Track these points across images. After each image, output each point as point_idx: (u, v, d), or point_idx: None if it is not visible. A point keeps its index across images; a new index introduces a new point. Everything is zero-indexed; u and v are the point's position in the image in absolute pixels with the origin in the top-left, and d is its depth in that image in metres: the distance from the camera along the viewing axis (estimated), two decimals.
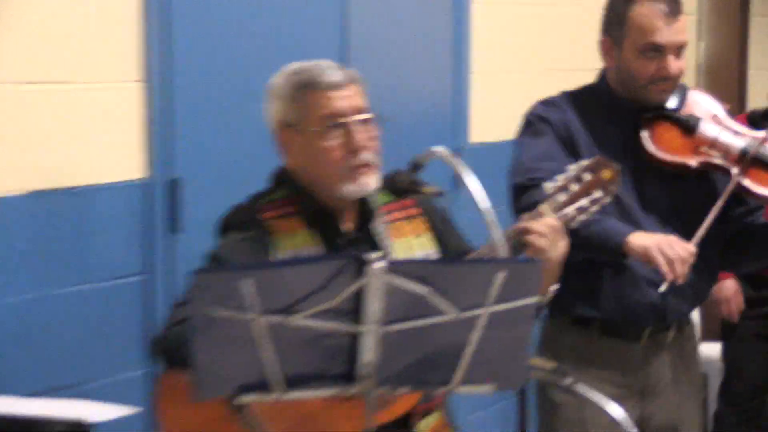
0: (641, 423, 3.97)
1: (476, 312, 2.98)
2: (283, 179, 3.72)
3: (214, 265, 3.52)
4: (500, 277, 2.95)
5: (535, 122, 4.31)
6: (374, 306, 2.87)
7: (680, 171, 4.18)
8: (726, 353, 5.68)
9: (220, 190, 4.48)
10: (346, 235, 3.64)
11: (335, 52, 5.10)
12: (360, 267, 2.81)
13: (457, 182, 3.55)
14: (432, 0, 6.04)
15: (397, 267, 2.88)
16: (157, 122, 4.56)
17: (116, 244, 4.46)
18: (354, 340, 2.96)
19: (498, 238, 3.24)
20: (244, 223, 3.66)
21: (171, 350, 3.39)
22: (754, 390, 5.98)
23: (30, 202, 4.13)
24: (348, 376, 3.04)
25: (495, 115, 5.80)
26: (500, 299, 2.99)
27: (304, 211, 3.63)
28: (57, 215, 4.29)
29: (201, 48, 4.66)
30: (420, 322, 2.97)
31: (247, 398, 3.01)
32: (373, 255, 2.87)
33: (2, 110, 4.06)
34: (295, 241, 3.60)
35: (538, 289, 3.05)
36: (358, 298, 2.88)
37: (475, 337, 3.01)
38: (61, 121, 4.25)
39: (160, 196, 4.58)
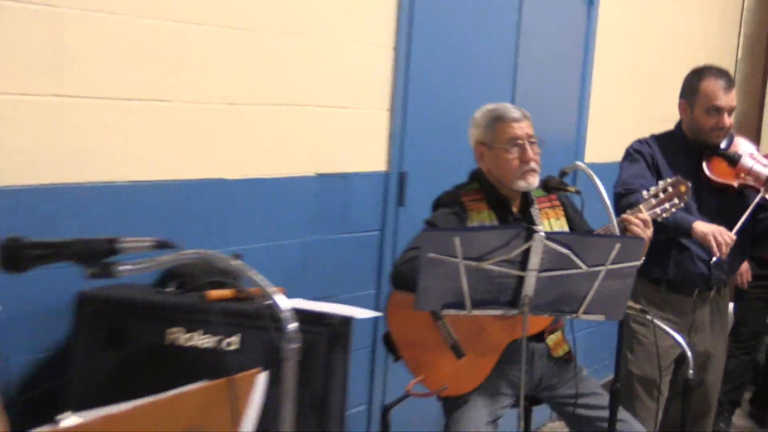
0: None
1: (599, 268, 3.01)
2: (476, 177, 3.78)
3: (432, 227, 3.53)
4: (616, 247, 2.99)
5: (632, 153, 4.36)
6: (535, 259, 2.96)
7: (726, 188, 4.20)
8: (736, 309, 5.74)
9: (429, 182, 4.31)
10: (513, 215, 3.68)
11: (509, 95, 5.07)
12: (529, 234, 2.92)
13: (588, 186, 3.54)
14: (566, 54, 5.75)
15: (552, 236, 2.98)
16: (396, 137, 4.50)
17: (366, 210, 4.43)
18: (519, 280, 3.01)
19: (614, 224, 3.31)
20: (450, 202, 3.71)
21: (402, 279, 3.42)
22: (753, 333, 6.11)
23: (315, 181, 4.13)
24: (512, 303, 3.11)
25: (605, 143, 5.66)
26: (614, 261, 3.02)
27: (488, 198, 3.69)
28: (331, 190, 4.27)
29: (427, 84, 4.56)
30: (563, 272, 3.02)
31: (448, 312, 3.13)
32: (539, 227, 2.99)
33: (305, 123, 4.05)
34: (482, 216, 3.66)
35: (638, 257, 3.06)
36: (525, 253, 2.94)
37: (596, 284, 3.04)
38: (336, 132, 4.22)
39: (394, 182, 4.55)
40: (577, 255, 2.93)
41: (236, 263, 2.09)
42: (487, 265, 2.91)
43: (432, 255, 2.88)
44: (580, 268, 2.95)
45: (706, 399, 4.57)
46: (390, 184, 4.52)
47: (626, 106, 6.16)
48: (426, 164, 4.62)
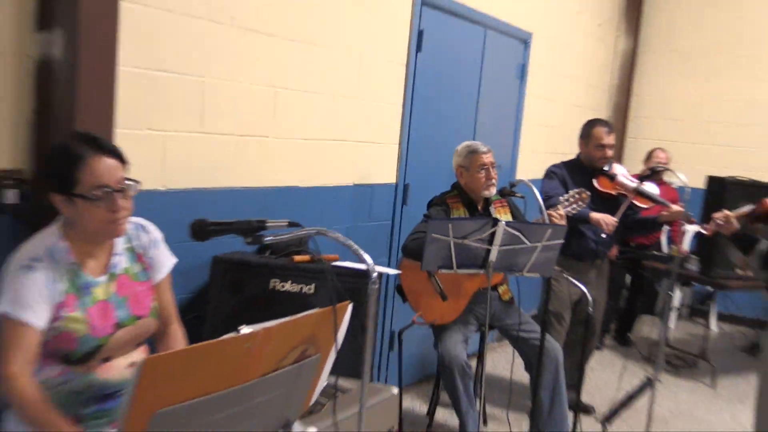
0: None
1: (537, 244, 3.10)
2: (456, 187, 3.77)
3: (431, 219, 3.52)
4: (548, 231, 3.09)
5: (550, 173, 4.28)
6: (498, 238, 3.05)
7: (608, 196, 4.17)
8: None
9: (422, 190, 4.31)
10: (479, 211, 3.68)
11: (471, 135, 4.89)
12: (495, 223, 3.01)
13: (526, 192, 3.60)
14: (506, 109, 5.51)
15: (509, 224, 3.06)
16: (401, 161, 4.38)
17: (382, 207, 4.30)
18: (487, 252, 3.06)
19: (545, 216, 3.39)
20: (440, 203, 3.70)
21: (410, 251, 3.44)
22: (617, 287, 5.80)
23: (353, 189, 4.03)
24: (481, 265, 3.12)
25: (530, 166, 5.43)
26: (547, 240, 3.10)
27: (463, 200, 3.70)
28: (362, 194, 4.13)
29: (421, 128, 4.43)
30: (515, 246, 3.08)
31: (441, 271, 3.14)
32: (501, 219, 3.06)
33: (347, 152, 3.96)
34: (459, 212, 3.66)
35: (561, 238, 3.14)
36: (492, 235, 3.01)
37: (534, 254, 3.12)
38: (366, 158, 4.11)
39: (400, 190, 4.43)
40: (524, 236, 3.08)
41: (340, 236, 2.07)
42: (467, 242, 3.05)
43: (434, 235, 3.00)
44: (526, 244, 3.09)
45: (593, 327, 4.57)
46: (398, 191, 4.45)
47: (543, 143, 6.04)
48: (420, 179, 4.56)
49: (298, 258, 3.10)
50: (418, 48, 4.30)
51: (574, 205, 3.66)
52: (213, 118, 3.10)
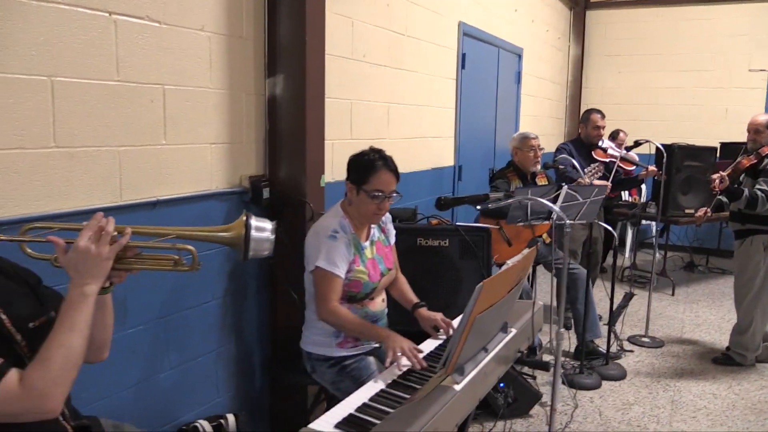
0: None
1: (587, 200, 3.31)
2: (511, 164, 3.95)
3: (497, 188, 3.67)
4: (595, 190, 3.28)
5: (561, 149, 4.47)
6: (561, 197, 3.24)
7: (603, 163, 4.28)
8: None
9: (470, 170, 4.57)
10: (528, 182, 3.86)
11: (493, 127, 5.21)
12: (560, 188, 3.20)
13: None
14: (509, 107, 5.48)
15: (570, 187, 3.30)
16: (457, 149, 4.51)
17: (447, 182, 4.42)
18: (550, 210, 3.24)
19: (585, 180, 3.67)
20: (502, 176, 3.86)
21: (488, 211, 3.45)
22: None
23: (431, 172, 4.10)
24: (546, 218, 3.36)
25: None
26: (594, 196, 3.28)
27: (517, 173, 3.88)
28: (436, 174, 4.22)
29: (468, 124, 4.54)
30: (571, 203, 3.29)
31: (519, 224, 3.33)
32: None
33: (427, 145, 4.11)
34: (515, 183, 3.82)
35: (603, 194, 3.33)
36: (557, 197, 3.16)
37: (584, 207, 3.33)
38: (439, 148, 4.21)
39: (456, 170, 4.56)
40: (579, 195, 3.40)
41: (549, 203, 2.38)
42: (542, 200, 3.37)
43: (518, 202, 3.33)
44: (578, 200, 3.44)
45: (596, 258, 4.91)
46: (455, 171, 4.60)
47: (532, 128, 5.69)
48: (469, 162, 4.70)
49: (434, 222, 3.30)
50: (462, 66, 4.62)
51: (596, 175, 3.98)
52: (358, 129, 3.35)
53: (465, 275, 3.20)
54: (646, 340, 4.44)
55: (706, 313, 5.19)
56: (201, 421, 2.00)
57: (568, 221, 3.51)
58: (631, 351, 4.27)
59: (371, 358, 2.30)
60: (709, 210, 4.09)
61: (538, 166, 3.99)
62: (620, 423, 3.27)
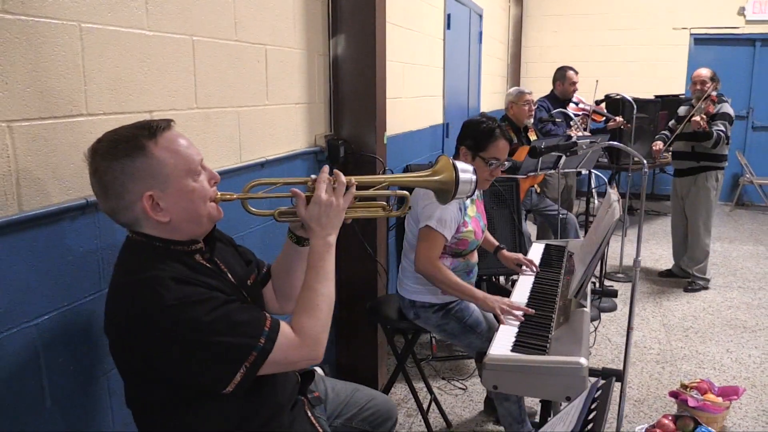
0: None
1: (589, 150, 3.63)
2: (505, 118, 4.17)
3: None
4: (597, 140, 3.59)
5: (540, 106, 4.66)
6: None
7: (576, 115, 4.78)
8: None
9: (456, 127, 4.62)
10: (522, 134, 4.11)
11: (466, 84, 5.48)
12: (569, 138, 3.44)
13: None
14: (474, 63, 5.66)
15: (579, 138, 3.52)
16: (445, 107, 4.61)
17: (437, 141, 4.54)
18: (559, 157, 3.42)
19: (577, 128, 3.98)
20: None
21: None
22: None
23: (429, 129, 4.29)
24: (554, 167, 3.63)
25: (488, 99, 6.03)
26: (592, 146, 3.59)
27: (511, 127, 4.07)
28: (432, 131, 4.35)
29: (453, 83, 4.61)
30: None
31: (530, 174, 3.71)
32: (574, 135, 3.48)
33: (427, 104, 4.26)
34: (511, 135, 4.09)
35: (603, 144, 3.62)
36: (567, 146, 3.51)
37: (587, 156, 3.62)
38: (433, 107, 4.25)
39: (444, 128, 4.66)
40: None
41: (620, 145, 2.55)
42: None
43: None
44: (583, 149, 3.73)
45: (571, 204, 5.32)
46: (444, 129, 4.73)
47: (491, 85, 6.54)
48: (453, 120, 4.84)
49: None
50: (448, 27, 4.77)
51: (581, 126, 4.38)
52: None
53: (498, 222, 3.48)
54: (620, 276, 4.93)
55: (658, 249, 5.81)
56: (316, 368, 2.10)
57: (573, 168, 3.88)
58: (611, 286, 4.73)
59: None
60: (662, 145, 4.56)
61: (531, 120, 4.27)
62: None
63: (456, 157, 2.35)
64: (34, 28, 1.30)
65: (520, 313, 2.07)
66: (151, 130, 1.19)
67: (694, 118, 4.16)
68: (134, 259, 1.22)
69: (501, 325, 2.01)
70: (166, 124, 1.23)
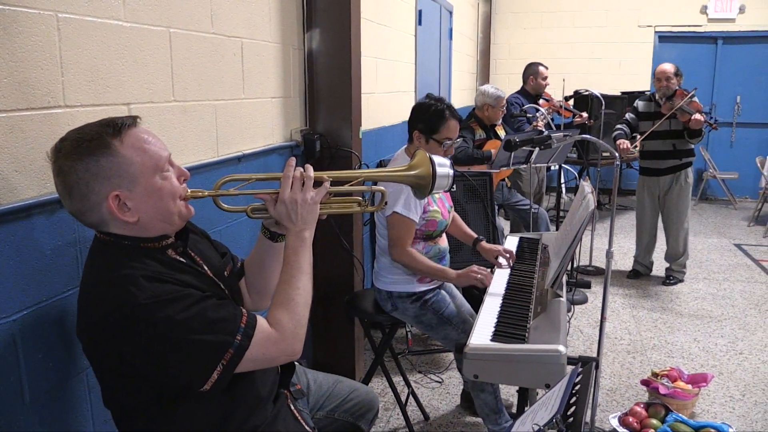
0: None
1: (560, 144, 3.67)
2: (473, 115, 4.22)
3: (465, 137, 4.05)
4: (570, 136, 3.68)
5: (513, 102, 4.78)
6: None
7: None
8: None
9: None
10: (490, 130, 4.16)
11: (437, 79, 5.55)
12: (540, 133, 3.46)
13: None
14: (444, 59, 6.10)
15: (551, 132, 3.48)
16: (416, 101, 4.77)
17: (403, 140, 4.74)
18: (530, 153, 3.55)
19: (542, 120, 4.07)
20: (465, 126, 4.06)
21: (459, 160, 3.81)
22: None
23: (402, 125, 4.34)
24: (526, 161, 3.73)
25: (461, 99, 5.90)
26: (564, 141, 3.66)
27: (479, 125, 4.17)
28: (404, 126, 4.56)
29: (424, 77, 4.78)
30: (546, 149, 3.61)
31: (502, 169, 3.73)
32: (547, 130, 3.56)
33: (400, 100, 4.26)
34: (479, 132, 4.12)
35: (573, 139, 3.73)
36: (540, 141, 3.60)
37: (558, 151, 3.70)
38: (406, 102, 4.27)
39: None
40: (555, 140, 3.76)
41: (595, 138, 2.62)
42: (525, 147, 3.70)
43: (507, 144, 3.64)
44: (555, 143, 3.81)
45: (541, 197, 5.43)
46: None
47: (461, 81, 6.49)
48: None
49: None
50: (419, 23, 4.81)
51: (544, 120, 4.49)
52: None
53: (471, 216, 3.53)
54: (591, 269, 5.03)
55: (626, 243, 5.94)
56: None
57: (544, 163, 3.94)
58: (583, 278, 4.85)
59: (443, 292, 2.52)
60: (628, 144, 4.54)
61: (501, 117, 4.33)
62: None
63: (410, 141, 2.42)
64: (11, 17, 1.28)
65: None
66: (116, 127, 1.17)
67: (695, 117, 4.18)
68: (104, 259, 1.20)
69: (480, 315, 2.05)
70: (132, 120, 1.20)
